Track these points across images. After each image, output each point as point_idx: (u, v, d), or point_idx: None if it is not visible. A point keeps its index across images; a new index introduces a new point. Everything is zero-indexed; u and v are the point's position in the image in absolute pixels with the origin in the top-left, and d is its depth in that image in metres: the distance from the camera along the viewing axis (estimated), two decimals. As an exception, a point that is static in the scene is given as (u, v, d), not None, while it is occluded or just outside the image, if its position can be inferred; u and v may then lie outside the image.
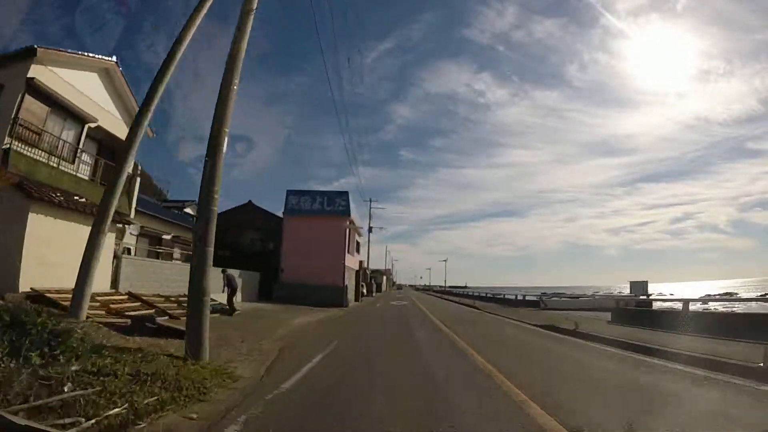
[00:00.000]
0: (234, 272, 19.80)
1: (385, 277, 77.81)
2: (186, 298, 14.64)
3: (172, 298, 13.52)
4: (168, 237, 20.42)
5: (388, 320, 15.41)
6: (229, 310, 13.59)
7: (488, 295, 34.46)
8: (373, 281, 55.50)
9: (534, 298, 25.79)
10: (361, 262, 51.59)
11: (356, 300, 29.84)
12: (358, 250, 31.98)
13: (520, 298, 25.94)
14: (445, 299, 40.74)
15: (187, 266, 17.50)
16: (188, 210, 33.10)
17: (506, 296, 28.64)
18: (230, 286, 13.87)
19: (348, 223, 23.42)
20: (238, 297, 20.42)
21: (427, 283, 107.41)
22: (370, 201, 48.24)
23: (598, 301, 21.30)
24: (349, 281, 26.97)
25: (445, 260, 64.89)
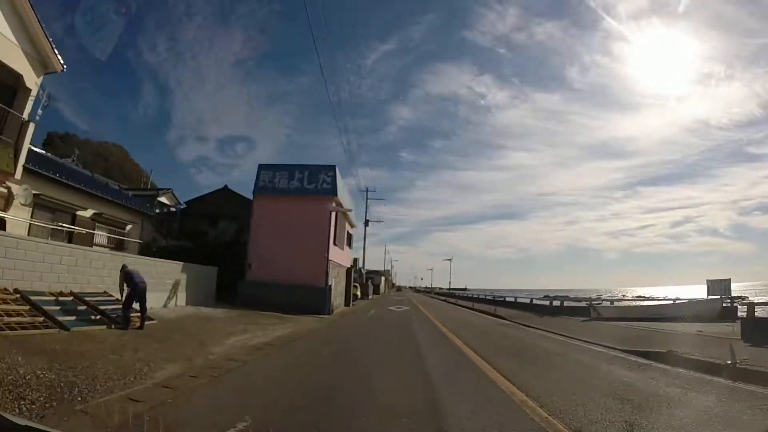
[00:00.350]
0: (167, 267, 14.52)
1: (383, 278, 72.75)
2: (72, 297, 9.48)
3: (34, 297, 8.47)
4: (86, 214, 15.32)
5: (381, 343, 9.75)
6: (122, 321, 8.48)
7: (507, 299, 29.04)
8: (369, 282, 50.43)
9: (574, 303, 20.55)
10: (356, 260, 46.46)
11: (347, 304, 24.74)
12: (349, 244, 26.89)
13: (556, 303, 20.45)
14: (455, 304, 35.52)
15: (97, 253, 12.08)
16: (163, 199, 28.20)
17: (534, 301, 23.27)
18: (130, 285, 8.77)
19: (333, 204, 18.36)
20: (179, 299, 15.33)
21: (429, 285, 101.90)
22: (367, 191, 43.27)
23: (665, 309, 16.20)
24: (337, 281, 21.88)
25: (449, 260, 59.33)
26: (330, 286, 17.96)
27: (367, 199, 42.91)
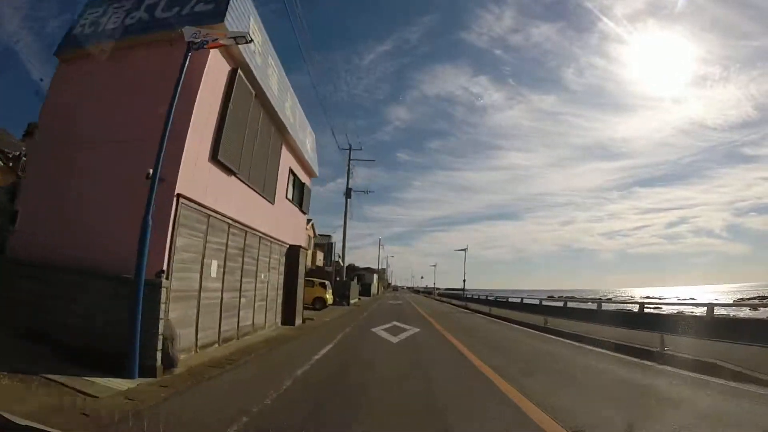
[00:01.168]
0: None
1: (376, 276, 61.14)
2: None
3: None
4: None
5: None
6: None
7: (547, 302, 17.02)
8: (355, 281, 38.79)
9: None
10: (332, 246, 34.64)
11: (287, 320, 13.04)
12: (300, 202, 15.05)
13: (731, 315, 8.99)
14: (488, 315, 23.54)
15: None
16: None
17: (645, 309, 11.38)
18: None
19: (215, 35, 6.60)
20: None
21: (433, 284, 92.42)
22: (350, 149, 31.57)
23: None
24: (258, 269, 10.24)
25: (464, 249, 45.21)
26: (163, 272, 6.18)
27: (349, 159, 31.18)
